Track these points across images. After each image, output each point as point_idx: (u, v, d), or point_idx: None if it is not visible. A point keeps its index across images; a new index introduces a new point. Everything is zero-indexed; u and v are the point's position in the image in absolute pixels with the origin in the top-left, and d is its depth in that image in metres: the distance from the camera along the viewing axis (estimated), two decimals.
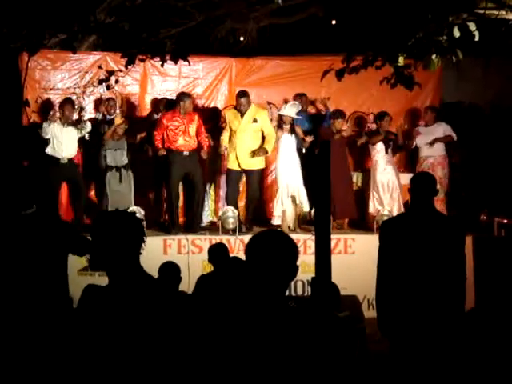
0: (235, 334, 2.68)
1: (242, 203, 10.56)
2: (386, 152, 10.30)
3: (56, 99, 10.56)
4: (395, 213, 9.65)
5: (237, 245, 9.42)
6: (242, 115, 9.95)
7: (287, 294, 2.82)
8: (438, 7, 6.50)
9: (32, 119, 10.30)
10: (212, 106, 11.17)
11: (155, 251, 9.08)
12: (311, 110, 11.10)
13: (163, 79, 11.05)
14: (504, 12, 6.83)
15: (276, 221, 10.15)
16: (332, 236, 6.34)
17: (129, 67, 7.19)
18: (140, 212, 9.26)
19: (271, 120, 10.22)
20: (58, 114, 10.12)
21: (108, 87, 8.06)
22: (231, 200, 10.11)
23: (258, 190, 10.35)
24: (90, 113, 10.81)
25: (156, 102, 10.95)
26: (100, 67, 8.82)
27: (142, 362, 2.97)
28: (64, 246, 6.27)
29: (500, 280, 8.98)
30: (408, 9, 7.06)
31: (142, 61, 7.42)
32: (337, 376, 2.69)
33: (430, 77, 10.40)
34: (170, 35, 11.11)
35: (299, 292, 9.23)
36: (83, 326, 3.11)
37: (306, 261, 7.91)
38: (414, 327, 4.99)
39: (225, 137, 10.14)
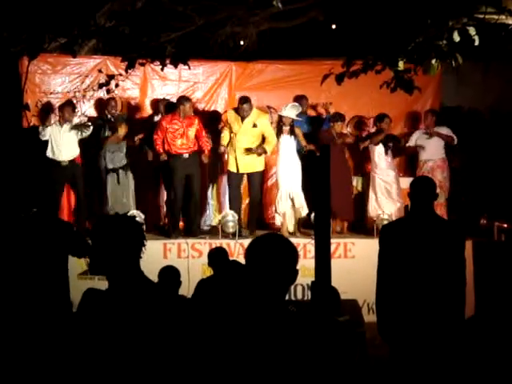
0: (235, 339, 2.68)
1: (242, 206, 10.57)
2: (386, 153, 10.30)
3: (56, 103, 10.56)
4: (395, 217, 9.64)
5: (237, 249, 9.42)
6: (243, 119, 9.96)
7: (287, 298, 2.82)
8: (437, 12, 6.50)
9: (32, 123, 10.29)
10: (212, 109, 11.18)
11: (155, 255, 9.08)
12: (311, 112, 11.10)
13: (163, 83, 11.05)
14: (504, 17, 6.84)
15: (277, 222, 10.16)
16: (332, 240, 6.34)
17: (129, 71, 7.19)
18: (140, 216, 9.26)
19: (271, 123, 10.23)
20: (56, 118, 10.13)
21: (108, 91, 8.07)
22: (234, 204, 10.11)
23: (259, 192, 10.36)
24: (90, 116, 10.82)
25: (156, 103, 10.95)
26: (100, 71, 8.81)
27: (142, 366, 2.97)
28: (64, 248, 6.27)
29: (500, 285, 8.97)
30: (408, 13, 7.07)
31: (142, 65, 7.43)
32: (337, 380, 2.68)
33: (429, 81, 10.40)
34: (170, 39, 11.12)
35: (299, 296, 9.22)
36: (83, 330, 3.11)
37: (306, 265, 7.90)
38: (414, 332, 4.99)
39: (225, 135, 10.15)
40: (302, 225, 10.31)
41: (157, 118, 10.65)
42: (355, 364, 2.80)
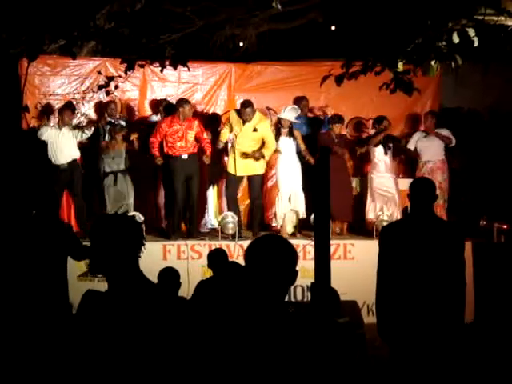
0: (235, 340, 2.68)
1: (242, 207, 10.58)
2: (386, 154, 10.29)
3: (55, 105, 10.57)
4: (395, 218, 9.65)
5: (236, 250, 9.42)
6: (244, 122, 9.96)
7: (287, 299, 2.82)
8: (437, 13, 6.51)
9: (31, 125, 10.30)
10: (211, 111, 11.18)
11: (155, 257, 9.08)
12: (310, 114, 11.11)
13: (163, 85, 11.05)
14: (503, 18, 6.84)
15: (276, 224, 10.17)
16: (331, 241, 6.35)
17: (128, 73, 7.19)
18: (140, 217, 9.26)
19: (270, 125, 10.24)
20: (55, 120, 10.13)
21: (107, 93, 8.05)
22: (231, 206, 10.11)
23: (260, 194, 10.37)
24: (89, 118, 10.82)
25: (156, 104, 10.95)
26: (99, 73, 8.81)
27: (142, 367, 2.97)
28: (64, 249, 6.28)
29: (499, 286, 8.97)
30: (407, 14, 7.07)
31: (142, 66, 7.43)
32: (336, 381, 2.68)
33: (429, 82, 10.41)
34: (169, 41, 11.11)
35: (299, 297, 9.22)
36: (83, 331, 3.11)
37: (306, 266, 7.90)
38: (414, 333, 4.99)
39: (224, 133, 10.16)
40: (302, 226, 10.32)
41: (155, 118, 10.65)
42: (355, 365, 2.80)
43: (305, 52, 11.71)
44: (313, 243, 6.04)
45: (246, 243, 8.59)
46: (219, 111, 11.15)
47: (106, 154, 10.02)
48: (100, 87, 7.77)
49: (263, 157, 10.00)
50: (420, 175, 10.05)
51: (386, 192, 10.26)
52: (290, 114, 9.99)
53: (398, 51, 6.47)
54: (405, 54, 6.43)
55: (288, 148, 10.08)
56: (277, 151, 10.10)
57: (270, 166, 10.53)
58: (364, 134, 11.09)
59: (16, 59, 9.66)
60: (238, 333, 2.69)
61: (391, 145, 10.37)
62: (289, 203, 10.07)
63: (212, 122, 10.80)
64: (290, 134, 10.07)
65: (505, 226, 9.75)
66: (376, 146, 10.33)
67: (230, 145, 10.43)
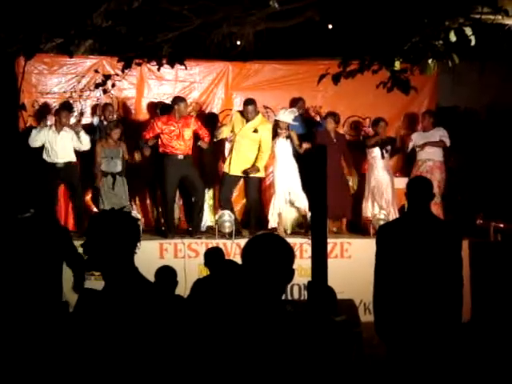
0: (231, 338, 2.68)
1: (237, 207, 10.58)
2: (382, 157, 10.31)
3: (52, 103, 10.56)
4: (391, 217, 9.65)
5: (233, 249, 9.42)
6: (247, 121, 9.97)
7: (283, 298, 2.82)
8: (434, 12, 6.51)
9: (28, 123, 10.30)
10: (208, 110, 11.18)
11: (151, 255, 9.09)
12: (306, 115, 11.11)
13: (160, 83, 11.03)
14: (500, 17, 6.84)
15: (271, 224, 10.17)
16: (328, 240, 6.35)
17: (125, 71, 7.19)
18: (136, 215, 9.25)
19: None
20: (52, 120, 10.12)
21: (104, 91, 8.05)
22: (223, 202, 10.09)
23: (257, 196, 10.37)
24: (86, 117, 10.82)
25: (152, 106, 10.95)
26: (96, 71, 8.81)
27: (139, 366, 2.97)
28: (60, 250, 6.27)
29: (496, 285, 8.98)
30: (404, 13, 7.07)
31: (139, 65, 7.41)
32: (333, 380, 2.69)
33: (426, 81, 10.41)
34: (166, 39, 11.13)
35: (296, 296, 9.22)
36: (80, 330, 3.11)
37: (303, 265, 7.90)
38: (412, 331, 4.99)
39: (224, 131, 10.18)
40: (299, 225, 10.33)
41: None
42: (352, 364, 2.80)
43: (302, 51, 11.71)
44: (310, 242, 6.04)
45: (242, 242, 8.59)
46: (216, 110, 11.15)
47: (104, 154, 9.96)
48: (97, 85, 7.78)
49: (258, 170, 10.03)
50: (418, 173, 10.04)
51: (382, 191, 10.27)
52: (288, 116, 10.01)
53: (395, 50, 6.48)
54: (402, 53, 6.44)
55: (284, 149, 10.09)
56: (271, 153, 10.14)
57: (266, 165, 10.52)
58: (361, 133, 11.09)
59: (13, 58, 9.66)
60: (235, 331, 2.69)
61: (388, 148, 10.37)
62: (285, 203, 10.07)
63: (209, 121, 10.80)
64: (287, 135, 10.08)
65: (501, 225, 9.76)
66: (371, 148, 10.34)
67: (228, 145, 10.45)
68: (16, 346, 5.61)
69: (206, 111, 11.14)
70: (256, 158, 10.00)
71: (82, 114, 10.50)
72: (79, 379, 3.05)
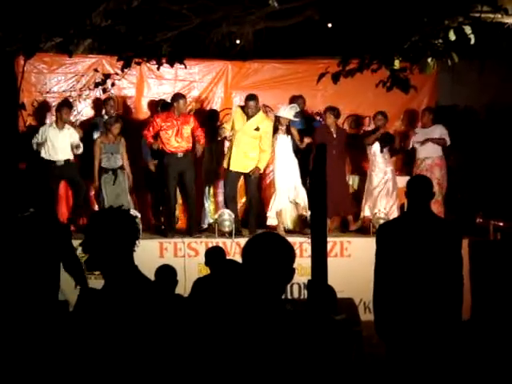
0: (232, 337, 2.68)
1: (238, 206, 10.58)
2: (382, 151, 10.28)
3: (52, 102, 10.57)
4: (392, 216, 9.65)
5: (233, 248, 9.41)
6: (248, 118, 9.96)
7: (283, 297, 2.82)
8: (433, 10, 6.51)
9: (28, 122, 10.31)
10: (208, 109, 11.17)
11: (151, 254, 9.09)
12: (306, 112, 11.12)
13: (159, 82, 11.04)
14: (499, 15, 6.83)
15: (271, 221, 10.17)
16: (328, 239, 6.34)
17: (125, 70, 7.19)
18: (136, 214, 9.25)
19: None
20: (51, 118, 10.12)
21: (104, 90, 8.06)
22: (229, 203, 10.11)
23: (257, 193, 10.38)
24: (86, 116, 10.82)
25: (153, 105, 10.95)
26: (96, 70, 8.81)
27: (139, 364, 2.97)
28: (59, 249, 6.27)
29: (496, 283, 8.98)
30: (404, 12, 7.07)
31: (138, 64, 7.41)
32: (333, 379, 2.69)
33: (425, 80, 10.41)
34: (166, 38, 11.12)
35: (295, 295, 9.22)
36: (79, 329, 3.11)
37: (303, 264, 7.89)
38: (412, 330, 4.99)
39: (225, 129, 10.17)
40: (299, 223, 10.32)
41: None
42: (352, 363, 2.80)
43: (301, 50, 11.72)
44: (309, 241, 6.04)
45: (242, 241, 8.59)
46: (216, 109, 11.15)
47: (104, 150, 9.95)
48: (96, 85, 7.78)
49: (260, 171, 10.06)
50: (418, 172, 10.03)
51: (384, 188, 10.26)
52: (289, 112, 9.99)
53: (395, 49, 6.47)
54: (401, 52, 6.43)
55: (285, 146, 10.08)
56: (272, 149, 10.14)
57: (267, 163, 10.52)
58: (361, 131, 11.10)
59: (12, 57, 9.66)
60: (236, 330, 2.69)
61: (388, 142, 10.35)
62: (286, 201, 10.07)
63: (208, 120, 10.80)
64: (288, 131, 10.07)
65: (501, 224, 9.76)
66: (372, 144, 10.33)
67: (227, 143, 10.44)
68: (15, 343, 5.62)
69: (206, 110, 11.14)
70: (258, 159, 10.01)
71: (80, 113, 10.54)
72: (79, 378, 3.05)
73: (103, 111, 10.52)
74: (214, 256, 7.31)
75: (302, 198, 10.02)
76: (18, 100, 9.47)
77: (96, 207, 10.25)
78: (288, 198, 10.08)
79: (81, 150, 10.01)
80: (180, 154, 9.88)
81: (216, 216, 10.00)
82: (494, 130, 11.10)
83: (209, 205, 10.73)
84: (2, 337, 5.65)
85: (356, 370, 5.18)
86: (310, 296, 5.92)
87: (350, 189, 10.87)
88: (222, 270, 6.97)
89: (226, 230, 9.71)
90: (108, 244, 3.09)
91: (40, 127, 9.99)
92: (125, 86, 10.80)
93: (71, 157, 9.97)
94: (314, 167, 5.84)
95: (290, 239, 3.03)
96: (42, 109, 10.60)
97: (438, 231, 5.10)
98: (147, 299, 3.05)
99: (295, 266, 2.80)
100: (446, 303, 5.02)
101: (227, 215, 9.77)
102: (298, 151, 10.18)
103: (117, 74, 7.63)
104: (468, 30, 6.22)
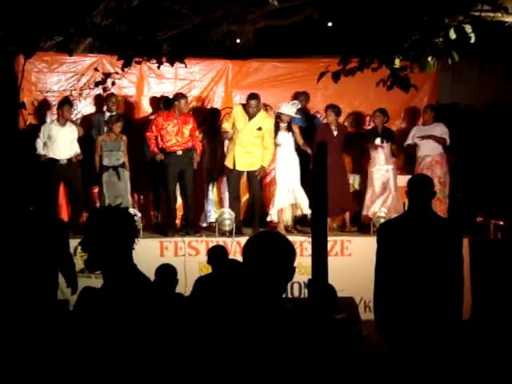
0: (233, 336, 2.68)
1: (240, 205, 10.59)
2: (382, 143, 10.23)
3: (52, 101, 10.57)
4: (392, 214, 9.64)
5: (233, 247, 9.41)
6: (250, 118, 9.95)
7: (284, 296, 2.82)
8: (433, 9, 6.50)
9: (28, 122, 10.30)
10: (208, 108, 11.17)
11: (152, 253, 9.09)
12: (308, 110, 11.13)
13: (159, 81, 11.04)
14: (500, 14, 6.83)
15: (272, 218, 10.17)
16: (328, 238, 6.34)
17: (125, 69, 7.18)
18: (137, 214, 9.25)
19: None
20: (52, 117, 10.12)
21: (104, 89, 8.04)
22: (233, 201, 10.11)
23: (260, 192, 10.37)
24: (87, 113, 10.82)
25: (154, 102, 10.95)
26: (96, 69, 8.78)
27: (139, 364, 2.97)
28: (58, 247, 6.28)
29: (496, 282, 8.98)
30: (404, 11, 7.07)
31: (139, 63, 7.41)
32: (333, 378, 2.69)
33: (426, 79, 10.41)
34: (166, 37, 11.12)
35: (296, 294, 9.23)
36: (79, 328, 3.11)
37: (303, 263, 7.88)
38: (412, 330, 4.99)
39: (225, 127, 10.15)
40: (299, 222, 10.32)
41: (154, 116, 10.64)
42: (352, 362, 2.80)
43: (302, 49, 11.72)
44: (310, 240, 6.04)
45: (243, 240, 8.59)
46: (216, 108, 11.14)
47: (105, 147, 9.94)
48: (97, 84, 7.76)
49: (265, 170, 10.10)
50: (419, 170, 10.03)
51: (384, 185, 10.25)
52: (290, 109, 9.98)
53: (395, 47, 6.46)
54: (401, 51, 6.42)
55: (286, 143, 10.08)
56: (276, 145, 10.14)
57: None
58: (362, 130, 11.10)
59: (12, 56, 9.65)
60: (236, 329, 2.69)
61: (388, 136, 10.32)
62: (288, 198, 10.07)
63: (209, 119, 10.80)
64: (289, 128, 10.07)
65: (501, 223, 9.75)
66: (371, 139, 10.32)
67: (227, 141, 10.44)
68: (15, 341, 5.62)
69: (206, 109, 11.13)
70: (261, 157, 10.01)
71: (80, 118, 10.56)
72: (79, 377, 3.05)
73: (104, 108, 10.51)
74: (217, 255, 7.31)
75: (302, 198, 10.01)
76: (19, 99, 9.46)
77: (98, 205, 10.25)
78: (290, 196, 10.07)
79: (81, 157, 10.02)
80: (180, 152, 9.88)
81: (216, 215, 10.00)
82: (494, 129, 11.10)
83: (211, 204, 10.72)
84: (2, 336, 5.65)
85: (356, 370, 5.18)
86: (311, 295, 5.91)
87: (351, 188, 10.87)
88: (224, 269, 6.98)
89: (227, 229, 9.72)
90: (106, 242, 3.09)
91: (41, 126, 10.00)
92: (125, 85, 10.80)
93: (74, 154, 9.95)
94: (314, 166, 5.83)
95: (291, 238, 3.03)
96: (42, 108, 10.60)
97: (438, 230, 5.10)
98: (146, 297, 3.05)
99: (295, 264, 2.80)
100: (447, 302, 5.01)
101: (227, 214, 9.78)
102: (299, 148, 10.18)
103: (117, 73, 7.62)
104: (468, 28, 6.21)
